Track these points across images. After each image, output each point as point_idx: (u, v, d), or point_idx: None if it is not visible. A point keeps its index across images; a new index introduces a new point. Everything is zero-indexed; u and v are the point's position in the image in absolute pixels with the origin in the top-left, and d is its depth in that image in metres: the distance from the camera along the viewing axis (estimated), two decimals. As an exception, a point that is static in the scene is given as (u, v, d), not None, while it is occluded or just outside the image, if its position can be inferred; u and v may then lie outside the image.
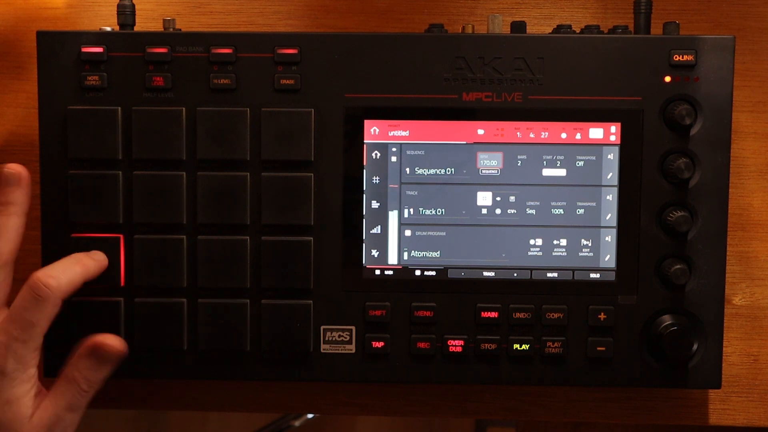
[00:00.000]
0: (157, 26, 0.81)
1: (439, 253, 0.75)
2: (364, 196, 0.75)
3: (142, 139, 0.74)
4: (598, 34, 0.75)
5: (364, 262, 0.75)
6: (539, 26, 0.82)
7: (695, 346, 0.75)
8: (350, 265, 0.75)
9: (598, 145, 0.75)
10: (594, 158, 0.75)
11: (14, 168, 0.72)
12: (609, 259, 0.75)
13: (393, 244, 0.75)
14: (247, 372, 0.76)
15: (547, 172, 0.75)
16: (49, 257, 0.74)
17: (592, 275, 0.75)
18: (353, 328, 0.76)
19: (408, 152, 0.75)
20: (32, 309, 0.68)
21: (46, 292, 0.69)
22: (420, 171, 0.75)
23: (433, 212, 0.75)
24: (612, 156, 0.74)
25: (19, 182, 0.72)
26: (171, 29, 0.76)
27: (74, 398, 0.71)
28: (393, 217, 0.75)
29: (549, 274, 0.75)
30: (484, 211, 0.75)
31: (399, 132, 0.75)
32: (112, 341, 0.71)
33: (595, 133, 0.74)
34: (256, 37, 0.74)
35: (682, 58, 0.73)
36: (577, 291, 0.75)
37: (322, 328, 0.76)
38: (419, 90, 0.74)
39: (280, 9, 0.82)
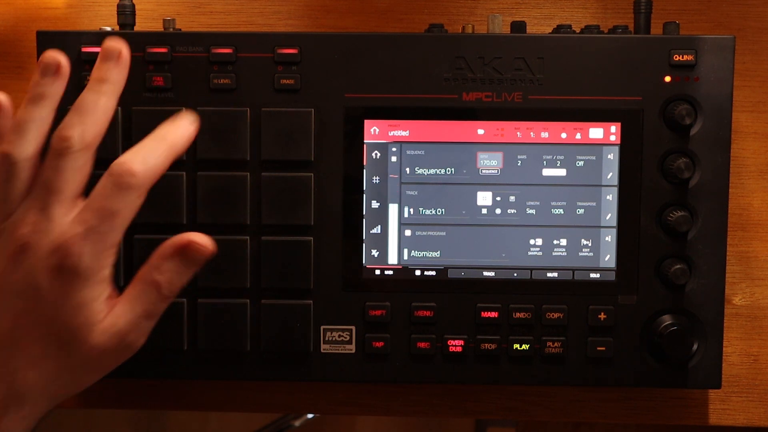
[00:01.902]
0: (157, 26, 0.81)
1: (439, 253, 0.75)
2: (364, 196, 0.75)
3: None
4: (598, 34, 0.75)
5: (364, 262, 0.75)
6: (539, 26, 0.82)
7: (695, 346, 0.75)
8: (350, 265, 0.75)
9: (598, 145, 0.75)
10: (594, 158, 0.75)
11: (115, 44, 0.64)
12: (609, 259, 0.75)
13: (393, 244, 0.75)
14: (247, 372, 0.76)
15: (547, 172, 0.75)
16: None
17: (592, 275, 0.75)
18: (353, 328, 0.76)
19: (408, 152, 0.75)
20: (114, 197, 0.61)
21: (129, 179, 0.61)
22: (420, 171, 0.75)
23: (433, 212, 0.75)
24: (612, 156, 0.74)
25: (119, 60, 0.64)
26: (171, 29, 0.76)
27: (154, 305, 0.64)
28: (393, 217, 0.75)
29: (549, 274, 0.75)
30: (484, 211, 0.75)
31: (399, 132, 0.75)
32: (203, 240, 0.65)
33: (595, 133, 0.74)
34: (256, 37, 0.74)
35: (682, 58, 0.73)
36: (577, 291, 0.75)
37: (322, 328, 0.76)
38: (419, 90, 0.74)
39: (280, 9, 0.82)
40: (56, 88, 0.64)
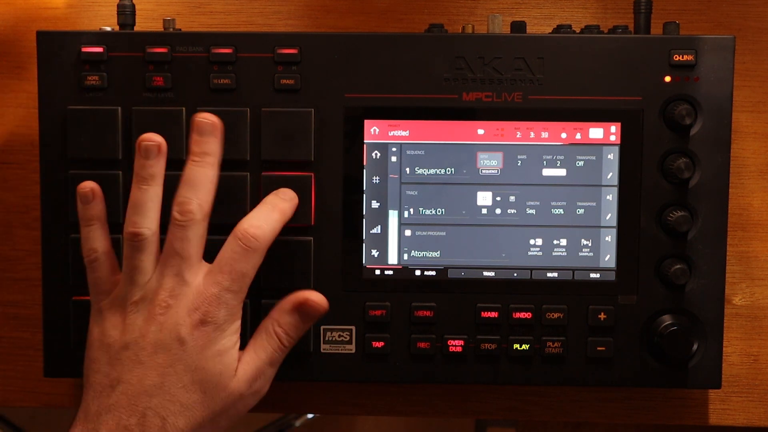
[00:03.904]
0: (157, 26, 0.81)
1: (439, 253, 0.75)
2: (364, 196, 0.75)
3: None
4: (598, 34, 0.75)
5: (364, 262, 0.75)
6: (539, 26, 0.82)
7: (695, 346, 0.74)
8: (350, 265, 0.75)
9: (598, 145, 0.75)
10: (594, 158, 0.75)
11: (209, 117, 0.71)
12: (609, 259, 0.75)
13: (393, 244, 0.75)
14: (247, 372, 0.76)
15: (547, 172, 0.75)
16: (50, 257, 0.74)
17: (592, 275, 0.75)
18: (353, 328, 0.76)
19: (408, 152, 0.75)
20: (242, 260, 0.69)
21: (255, 243, 0.69)
22: (420, 171, 0.75)
23: (433, 212, 0.75)
24: (612, 156, 0.74)
25: (214, 132, 0.70)
26: (171, 29, 0.76)
27: (275, 353, 0.71)
28: (393, 217, 0.75)
29: (549, 274, 0.75)
30: (484, 211, 0.75)
31: (399, 132, 0.75)
32: (318, 298, 0.72)
33: (595, 133, 0.74)
34: (256, 37, 0.74)
35: (682, 58, 0.73)
36: (577, 291, 0.75)
37: (322, 328, 0.76)
38: (419, 90, 0.74)
39: (280, 9, 0.82)
40: (161, 166, 0.71)
